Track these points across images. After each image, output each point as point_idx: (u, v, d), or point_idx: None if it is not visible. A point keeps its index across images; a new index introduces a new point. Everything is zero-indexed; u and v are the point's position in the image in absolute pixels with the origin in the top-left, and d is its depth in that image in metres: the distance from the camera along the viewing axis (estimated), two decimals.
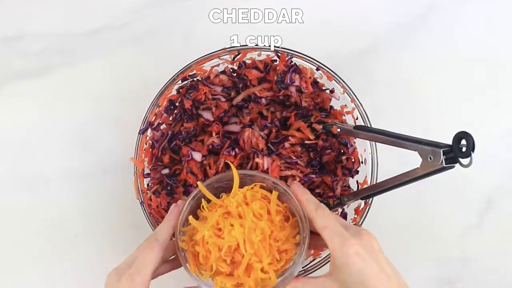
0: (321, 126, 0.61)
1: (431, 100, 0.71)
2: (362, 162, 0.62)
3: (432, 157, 0.46)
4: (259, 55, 0.62)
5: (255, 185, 0.53)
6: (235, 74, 0.64)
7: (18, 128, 0.71)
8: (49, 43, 0.72)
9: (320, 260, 0.58)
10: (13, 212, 0.69)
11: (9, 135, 0.71)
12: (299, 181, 0.60)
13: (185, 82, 0.63)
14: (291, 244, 0.51)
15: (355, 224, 0.59)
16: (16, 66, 0.72)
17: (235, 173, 0.51)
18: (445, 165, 0.46)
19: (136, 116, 0.61)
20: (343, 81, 0.60)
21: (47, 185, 0.69)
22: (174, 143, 0.62)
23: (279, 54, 0.61)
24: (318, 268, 0.57)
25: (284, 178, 0.60)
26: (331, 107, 0.64)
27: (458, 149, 0.45)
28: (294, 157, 0.60)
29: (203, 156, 0.61)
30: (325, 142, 0.62)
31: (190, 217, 0.50)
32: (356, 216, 0.61)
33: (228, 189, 0.53)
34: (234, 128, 0.62)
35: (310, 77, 0.62)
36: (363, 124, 0.60)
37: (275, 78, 0.61)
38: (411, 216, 0.68)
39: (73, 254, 0.68)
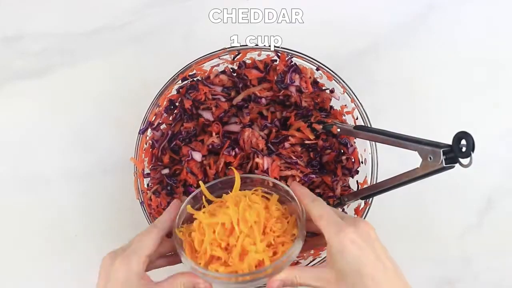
0: (321, 126, 0.61)
1: (431, 100, 0.71)
2: (362, 162, 0.62)
3: (432, 157, 0.46)
4: (259, 55, 0.62)
5: (256, 190, 0.53)
6: (235, 74, 0.64)
7: (18, 128, 0.71)
8: (49, 43, 0.72)
9: (320, 260, 0.58)
10: (13, 212, 0.69)
11: (9, 135, 0.71)
12: (299, 181, 0.60)
13: (185, 82, 0.63)
14: (288, 238, 0.50)
15: None
16: (16, 66, 0.72)
17: (237, 176, 0.52)
18: (445, 165, 0.46)
19: (136, 116, 0.61)
20: (343, 81, 0.60)
21: (47, 185, 0.69)
22: (174, 143, 0.62)
23: (279, 54, 0.61)
24: None
25: (284, 178, 0.60)
26: (331, 107, 0.64)
27: (458, 149, 0.45)
28: (294, 157, 0.60)
29: (203, 156, 0.61)
30: (325, 142, 0.62)
31: (188, 206, 0.51)
32: (356, 216, 0.61)
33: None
34: (234, 128, 0.62)
35: (310, 77, 0.62)
36: (363, 124, 0.60)
37: (275, 78, 0.61)
38: (411, 216, 0.68)
39: (73, 254, 0.68)
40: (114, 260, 0.48)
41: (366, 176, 0.61)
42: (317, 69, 0.61)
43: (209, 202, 0.54)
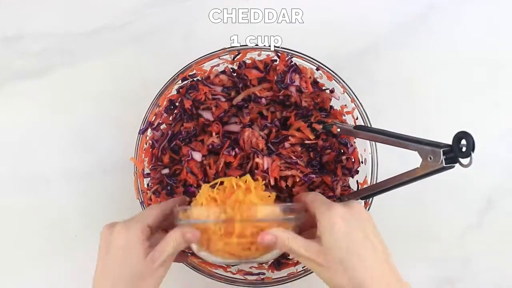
0: (321, 126, 0.61)
1: (431, 100, 0.71)
2: (362, 162, 0.62)
3: (432, 157, 0.46)
4: (259, 55, 0.62)
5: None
6: (235, 74, 0.64)
7: (18, 128, 0.71)
8: (49, 43, 0.72)
9: None
10: (13, 212, 0.69)
11: (9, 135, 0.71)
12: (299, 181, 0.60)
13: (185, 82, 0.63)
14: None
15: None
16: (16, 66, 0.72)
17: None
18: (445, 165, 0.46)
19: (136, 116, 0.61)
20: (343, 81, 0.60)
21: (47, 185, 0.69)
22: (174, 143, 0.62)
23: (279, 54, 0.61)
24: None
25: (284, 178, 0.60)
26: (331, 107, 0.64)
27: (458, 149, 0.45)
28: (294, 157, 0.60)
29: (203, 156, 0.61)
30: (325, 142, 0.62)
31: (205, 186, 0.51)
32: None
33: None
34: (234, 128, 0.62)
35: (310, 77, 0.62)
36: (363, 124, 0.60)
37: (275, 78, 0.61)
38: (411, 216, 0.68)
39: (73, 254, 0.68)
40: (112, 229, 0.49)
41: (366, 176, 0.61)
42: (317, 69, 0.61)
43: None
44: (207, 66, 0.62)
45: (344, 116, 0.63)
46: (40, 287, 0.68)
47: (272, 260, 0.62)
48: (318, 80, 0.63)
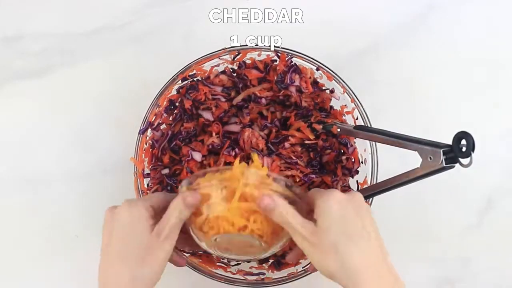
0: (321, 126, 0.61)
1: (431, 100, 0.71)
2: (362, 162, 0.62)
3: (432, 157, 0.46)
4: (259, 55, 0.62)
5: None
6: (235, 74, 0.64)
7: (18, 128, 0.71)
8: (49, 43, 0.72)
9: None
10: (13, 212, 0.69)
11: (9, 135, 0.71)
12: (299, 181, 0.60)
13: (185, 82, 0.63)
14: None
15: None
16: (16, 66, 0.72)
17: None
18: (445, 165, 0.46)
19: (136, 116, 0.61)
20: (343, 81, 0.60)
21: (47, 185, 0.69)
22: (174, 143, 0.62)
23: (279, 54, 0.61)
24: None
25: None
26: (331, 107, 0.64)
27: (458, 149, 0.45)
28: (294, 157, 0.60)
29: (203, 156, 0.61)
30: (325, 142, 0.62)
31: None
32: None
33: None
34: (234, 128, 0.62)
35: (310, 77, 0.62)
36: (363, 124, 0.60)
37: (275, 78, 0.61)
38: (411, 216, 0.68)
39: (73, 254, 0.68)
40: (115, 209, 0.48)
41: (366, 176, 0.61)
42: (317, 69, 0.61)
43: None
44: (207, 66, 0.62)
45: (344, 116, 0.63)
46: (40, 287, 0.68)
47: (272, 260, 0.62)
48: (318, 80, 0.63)
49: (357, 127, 0.58)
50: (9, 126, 0.71)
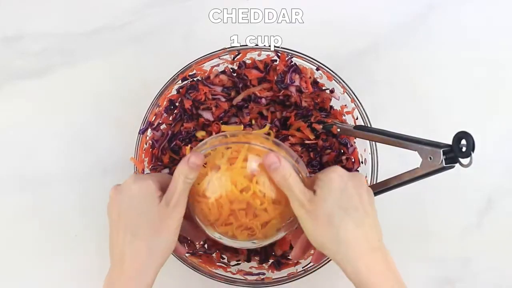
0: (321, 126, 0.61)
1: (431, 100, 0.71)
2: (362, 162, 0.62)
3: (432, 157, 0.46)
4: (259, 55, 0.62)
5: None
6: (235, 74, 0.64)
7: (18, 128, 0.71)
8: (49, 43, 0.72)
9: (322, 263, 0.57)
10: (13, 212, 0.69)
11: (9, 135, 0.71)
12: None
13: (185, 82, 0.63)
14: None
15: None
16: (16, 66, 0.72)
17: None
18: (445, 165, 0.46)
19: (136, 116, 0.61)
20: (343, 81, 0.60)
21: (47, 185, 0.69)
22: (174, 143, 0.62)
23: (279, 54, 0.61)
24: (318, 268, 0.57)
25: None
26: (331, 107, 0.64)
27: (458, 149, 0.45)
28: None
29: None
30: (325, 142, 0.62)
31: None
32: None
33: None
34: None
35: (310, 77, 0.62)
36: (363, 124, 0.60)
37: (275, 78, 0.61)
38: (411, 216, 0.68)
39: (73, 254, 0.68)
40: (121, 186, 0.48)
41: (366, 176, 0.61)
42: (317, 69, 0.61)
43: None
44: (207, 66, 0.62)
45: (344, 116, 0.63)
46: (40, 287, 0.68)
47: (272, 260, 0.62)
48: (318, 80, 0.63)
49: (357, 127, 0.58)
50: (9, 126, 0.71)
